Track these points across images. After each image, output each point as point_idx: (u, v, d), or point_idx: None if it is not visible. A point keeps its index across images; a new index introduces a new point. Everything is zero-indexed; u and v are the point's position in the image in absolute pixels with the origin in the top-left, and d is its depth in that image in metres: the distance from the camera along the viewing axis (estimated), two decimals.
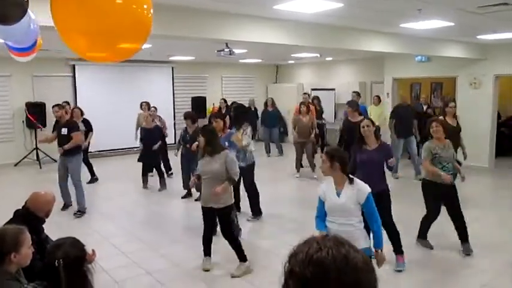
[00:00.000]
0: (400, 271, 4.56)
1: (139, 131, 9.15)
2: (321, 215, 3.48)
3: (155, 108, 9.49)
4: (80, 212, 6.73)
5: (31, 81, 11.06)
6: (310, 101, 10.82)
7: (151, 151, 8.22)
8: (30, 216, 3.03)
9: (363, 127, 4.60)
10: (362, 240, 3.28)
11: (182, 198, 7.55)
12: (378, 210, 3.52)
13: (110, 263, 4.75)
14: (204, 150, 4.59)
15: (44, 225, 3.24)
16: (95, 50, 2.15)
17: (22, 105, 10.79)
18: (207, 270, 4.64)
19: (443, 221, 5.17)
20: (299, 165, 9.18)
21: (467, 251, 4.97)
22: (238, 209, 6.34)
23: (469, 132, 8.03)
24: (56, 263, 2.34)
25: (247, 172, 6.17)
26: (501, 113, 11.33)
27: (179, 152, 7.60)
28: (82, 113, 8.77)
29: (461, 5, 5.34)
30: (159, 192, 8.18)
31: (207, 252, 4.73)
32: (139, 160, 8.46)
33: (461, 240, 5.04)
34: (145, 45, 8.44)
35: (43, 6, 2.42)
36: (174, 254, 5.15)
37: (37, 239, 3.00)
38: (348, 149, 4.78)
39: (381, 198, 4.20)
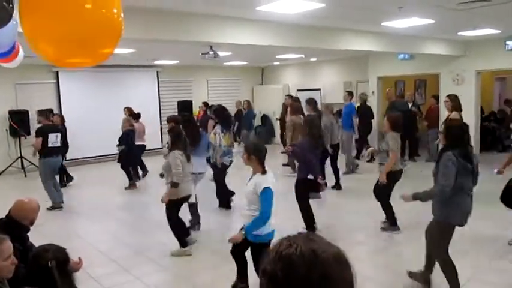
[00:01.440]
0: None
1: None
2: None
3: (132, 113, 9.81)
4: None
5: (14, 89, 10.90)
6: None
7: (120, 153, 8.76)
8: (14, 225, 2.98)
9: None
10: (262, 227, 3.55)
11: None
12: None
13: (97, 270, 4.71)
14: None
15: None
16: (65, 57, 2.15)
17: (5, 113, 10.63)
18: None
19: None
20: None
21: None
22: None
23: None
24: (49, 263, 2.40)
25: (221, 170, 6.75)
26: (484, 108, 11.51)
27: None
28: (62, 120, 9.13)
29: (441, 2, 5.41)
30: (141, 195, 8.34)
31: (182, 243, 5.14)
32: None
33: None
34: (129, 50, 8.41)
35: None
36: (162, 257, 5.12)
37: (21, 247, 2.96)
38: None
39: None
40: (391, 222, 5.63)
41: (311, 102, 8.13)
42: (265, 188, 3.49)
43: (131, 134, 8.96)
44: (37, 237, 3.32)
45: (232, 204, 6.95)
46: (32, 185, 9.62)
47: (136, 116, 9.82)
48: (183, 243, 5.07)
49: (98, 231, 6.33)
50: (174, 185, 4.80)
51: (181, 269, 4.83)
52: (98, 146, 11.59)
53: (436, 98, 10.44)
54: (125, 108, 10.18)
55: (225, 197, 6.93)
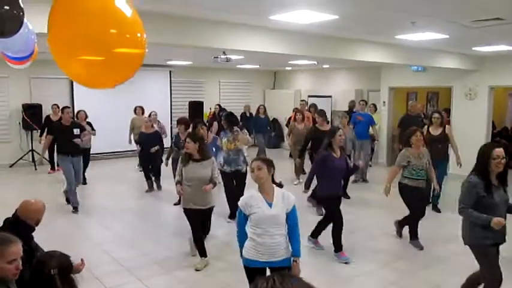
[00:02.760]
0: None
1: (132, 135, 9.54)
2: (243, 230, 3.27)
3: (155, 113, 9.63)
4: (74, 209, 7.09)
5: (28, 83, 11.07)
6: (306, 108, 10.87)
7: (150, 154, 8.28)
8: (20, 225, 3.05)
9: (340, 135, 5.22)
10: (285, 250, 3.19)
11: (175, 205, 7.42)
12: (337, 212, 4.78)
13: (100, 270, 4.77)
14: (190, 157, 4.75)
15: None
16: (92, 78, 2.25)
17: (19, 107, 10.80)
18: (198, 270, 4.81)
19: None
20: (299, 171, 9.15)
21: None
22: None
23: (464, 142, 8.06)
24: (51, 271, 2.41)
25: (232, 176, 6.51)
26: (496, 123, 11.41)
27: (169, 160, 7.59)
28: (86, 116, 9.17)
29: (455, 19, 5.39)
30: (152, 197, 8.18)
31: (203, 252, 4.91)
32: (140, 164, 8.54)
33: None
34: None
35: (38, 13, 2.46)
36: (165, 259, 5.17)
37: (27, 247, 3.02)
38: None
39: (340, 201, 5.27)
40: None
41: (323, 114, 7.83)
42: (294, 204, 3.22)
43: (160, 135, 8.78)
44: (46, 236, 3.39)
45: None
46: (42, 177, 9.81)
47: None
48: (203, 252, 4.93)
49: (104, 230, 6.41)
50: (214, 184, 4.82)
51: (187, 277, 4.83)
52: (109, 142, 11.71)
53: (448, 111, 10.37)
54: (137, 107, 10.24)
55: (232, 209, 6.56)
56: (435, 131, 7.05)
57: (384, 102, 11.53)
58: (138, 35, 2.10)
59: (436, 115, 7.17)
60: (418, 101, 12.14)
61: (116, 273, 4.81)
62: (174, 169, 7.42)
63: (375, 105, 10.74)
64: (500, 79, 9.48)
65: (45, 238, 3.45)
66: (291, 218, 3.18)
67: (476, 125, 9.84)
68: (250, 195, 3.22)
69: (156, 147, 8.30)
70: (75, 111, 9.49)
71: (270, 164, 3.22)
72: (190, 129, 7.19)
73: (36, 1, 3.09)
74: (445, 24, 5.69)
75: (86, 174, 8.78)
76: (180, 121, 7.48)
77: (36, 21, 3.00)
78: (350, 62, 10.92)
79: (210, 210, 5.05)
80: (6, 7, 2.19)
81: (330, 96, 13.20)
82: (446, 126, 7.24)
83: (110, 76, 2.25)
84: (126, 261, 5.11)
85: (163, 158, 8.03)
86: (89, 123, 9.18)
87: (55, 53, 2.11)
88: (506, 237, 3.60)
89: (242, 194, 6.27)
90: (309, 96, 13.74)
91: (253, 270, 3.15)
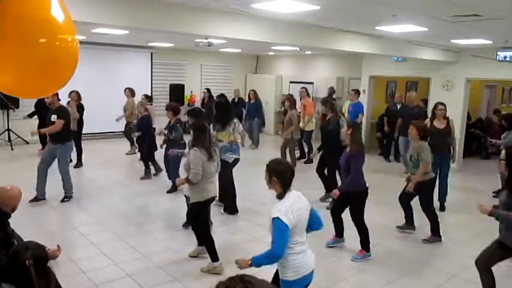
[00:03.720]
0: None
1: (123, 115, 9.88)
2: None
3: (145, 96, 9.52)
4: (68, 197, 6.77)
5: None
6: (306, 95, 10.56)
7: (138, 139, 8.34)
8: None
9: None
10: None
11: (168, 192, 7.38)
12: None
13: (77, 253, 4.80)
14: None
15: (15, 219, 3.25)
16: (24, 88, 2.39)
17: None
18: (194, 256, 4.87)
19: None
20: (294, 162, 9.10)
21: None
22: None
23: None
24: (26, 262, 2.41)
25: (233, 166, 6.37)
26: (471, 114, 11.69)
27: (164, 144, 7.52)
28: (79, 98, 8.94)
29: (435, 14, 5.48)
30: (144, 183, 8.06)
31: (216, 255, 4.61)
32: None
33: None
34: (123, 32, 8.35)
35: None
36: (143, 246, 5.22)
37: (2, 234, 3.03)
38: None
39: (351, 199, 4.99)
40: (434, 232, 5.67)
41: (328, 102, 7.07)
42: (273, 218, 2.77)
43: (149, 120, 8.50)
44: (22, 221, 3.39)
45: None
46: (17, 157, 9.67)
47: (150, 99, 9.70)
48: (215, 256, 4.58)
49: (89, 219, 6.32)
50: (189, 180, 4.47)
51: (178, 271, 4.75)
52: (89, 123, 11.53)
53: (425, 101, 10.56)
54: (126, 89, 10.09)
55: (230, 201, 6.42)
56: (440, 124, 6.79)
57: (364, 90, 11.66)
58: (69, 39, 2.23)
59: (441, 107, 6.82)
60: (397, 89, 12.34)
61: (106, 267, 4.73)
62: (166, 156, 7.32)
63: (357, 91, 10.81)
64: (478, 72, 9.69)
65: (20, 224, 3.46)
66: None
67: (452, 115, 9.99)
68: (288, 201, 2.94)
69: (138, 133, 8.29)
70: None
71: (270, 173, 2.94)
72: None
73: None
74: (425, 18, 5.78)
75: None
76: (168, 107, 7.39)
77: None
78: (332, 50, 10.97)
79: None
80: None
81: (311, 83, 13.26)
82: (449, 119, 6.93)
83: (42, 85, 2.39)
84: (103, 245, 5.14)
85: (158, 144, 8.03)
86: (81, 106, 8.98)
87: None
88: None
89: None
90: (291, 82, 13.80)
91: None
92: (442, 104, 6.96)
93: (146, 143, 8.31)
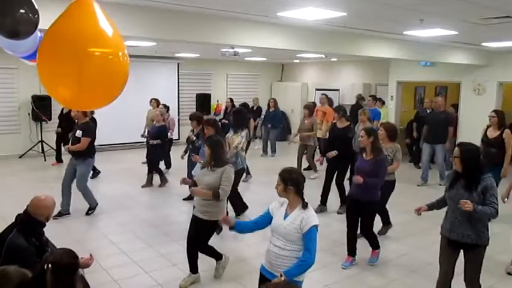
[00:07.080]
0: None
1: (146, 127, 9.58)
2: (256, 221, 3.23)
3: (164, 106, 9.62)
4: (92, 209, 6.73)
5: (37, 75, 11.12)
6: (327, 102, 10.32)
7: (152, 148, 8.35)
8: (30, 221, 3.13)
9: (361, 136, 4.89)
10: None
11: (184, 200, 7.43)
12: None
13: (108, 262, 4.87)
14: (207, 161, 4.38)
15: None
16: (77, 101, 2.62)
17: (28, 98, 10.90)
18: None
19: None
20: (298, 166, 9.16)
21: None
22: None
23: (472, 137, 8.01)
24: (45, 266, 2.29)
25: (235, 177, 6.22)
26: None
27: (186, 154, 7.52)
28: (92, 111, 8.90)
29: (464, 17, 5.37)
30: (160, 191, 8.19)
31: (192, 268, 4.43)
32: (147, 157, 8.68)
33: None
34: (150, 44, 8.52)
35: (42, 11, 2.47)
36: (172, 254, 5.25)
37: (38, 242, 3.11)
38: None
39: (364, 208, 4.79)
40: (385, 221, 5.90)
41: (340, 110, 7.01)
42: (314, 226, 2.91)
43: (166, 130, 8.59)
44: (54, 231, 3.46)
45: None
46: (50, 168, 9.93)
47: (168, 109, 9.79)
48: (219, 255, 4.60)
49: (113, 224, 6.46)
50: (216, 197, 4.16)
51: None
52: (116, 134, 11.81)
53: (456, 107, 10.31)
54: (152, 99, 10.15)
55: (237, 210, 6.46)
56: (491, 133, 6.48)
57: (392, 96, 11.49)
58: (120, 53, 2.33)
59: (491, 114, 6.51)
60: (426, 95, 12.10)
61: (123, 265, 4.90)
62: (188, 164, 7.31)
63: (381, 100, 10.69)
64: (510, 74, 9.40)
65: (53, 233, 3.53)
66: (305, 241, 2.92)
67: (485, 120, 9.75)
68: (283, 200, 3.11)
69: (156, 142, 8.24)
70: None
71: (285, 182, 3.00)
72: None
73: None
74: (454, 21, 5.67)
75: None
76: (192, 117, 7.37)
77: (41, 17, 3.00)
78: (358, 56, 10.88)
79: (205, 223, 4.32)
80: (22, 10, 2.26)
81: (337, 90, 13.17)
82: (506, 130, 6.41)
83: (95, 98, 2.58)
84: (134, 254, 5.20)
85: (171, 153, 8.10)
86: (93, 119, 8.71)
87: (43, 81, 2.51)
88: None
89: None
90: (317, 89, 13.72)
91: (260, 275, 3.17)
92: (494, 111, 6.66)
93: (159, 150, 8.42)
